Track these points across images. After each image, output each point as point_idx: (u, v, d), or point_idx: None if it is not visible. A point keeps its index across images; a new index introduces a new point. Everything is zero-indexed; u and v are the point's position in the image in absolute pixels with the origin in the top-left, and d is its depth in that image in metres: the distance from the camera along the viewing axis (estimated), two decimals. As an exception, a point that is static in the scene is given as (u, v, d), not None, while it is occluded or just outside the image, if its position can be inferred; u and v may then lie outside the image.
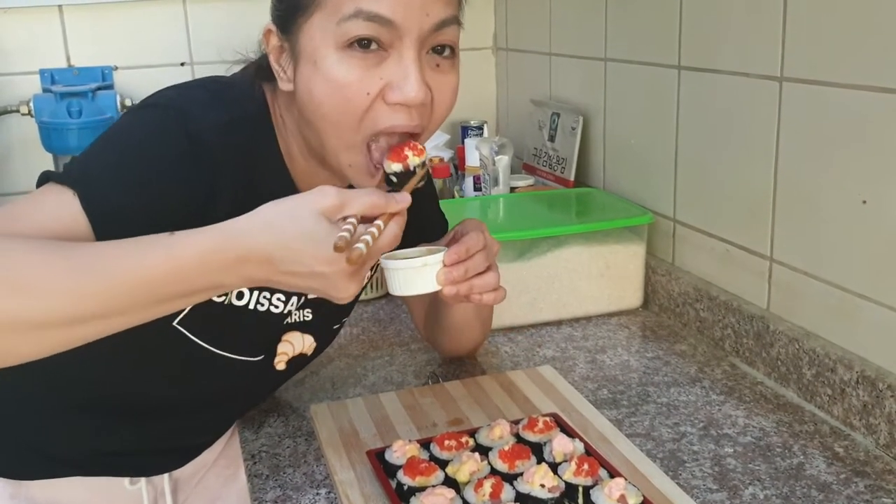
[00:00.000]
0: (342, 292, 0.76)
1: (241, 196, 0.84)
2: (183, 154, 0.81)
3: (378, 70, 0.79)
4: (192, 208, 0.82)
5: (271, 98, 0.90)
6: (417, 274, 0.87)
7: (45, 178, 0.81)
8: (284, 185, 0.90)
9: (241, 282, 0.76)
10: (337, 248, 0.70)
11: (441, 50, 0.83)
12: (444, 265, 0.88)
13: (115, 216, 0.79)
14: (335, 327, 1.06)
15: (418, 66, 0.79)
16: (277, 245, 0.73)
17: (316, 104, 0.81)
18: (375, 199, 0.76)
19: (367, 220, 0.76)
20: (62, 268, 0.69)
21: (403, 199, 0.78)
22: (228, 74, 0.94)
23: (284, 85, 0.85)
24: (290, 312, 0.97)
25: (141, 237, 0.73)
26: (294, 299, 0.96)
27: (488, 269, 0.92)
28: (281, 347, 1.00)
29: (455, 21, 0.82)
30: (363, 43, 0.79)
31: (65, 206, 0.77)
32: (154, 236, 0.73)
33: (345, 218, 0.75)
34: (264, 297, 0.92)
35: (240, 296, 0.91)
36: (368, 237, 0.73)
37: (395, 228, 0.77)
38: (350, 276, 0.75)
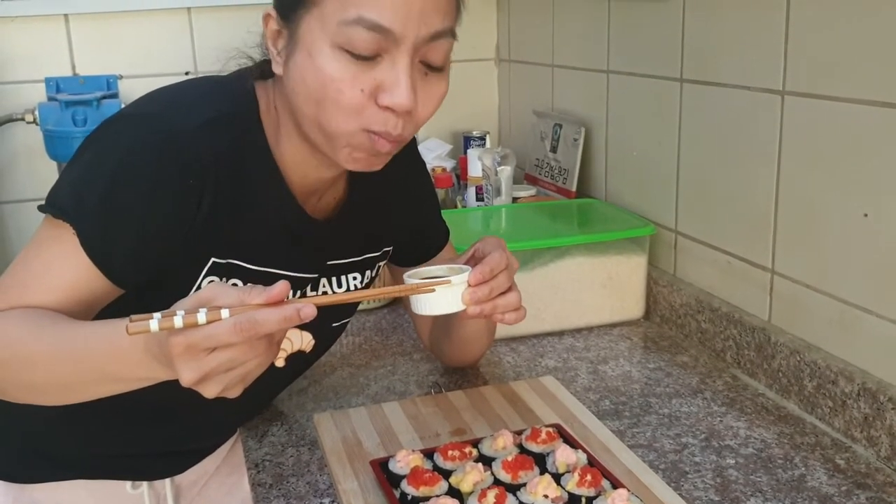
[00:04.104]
0: (178, 374, 0.71)
1: (235, 192, 0.87)
2: (166, 169, 0.83)
3: (372, 71, 0.80)
4: (187, 217, 0.85)
5: (263, 92, 0.92)
6: (443, 294, 0.87)
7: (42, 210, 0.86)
8: (273, 177, 0.91)
9: (166, 372, 0.75)
10: (130, 320, 0.68)
11: (431, 62, 0.84)
12: (469, 285, 0.88)
13: (116, 251, 0.84)
14: (334, 325, 1.07)
15: (409, 73, 0.81)
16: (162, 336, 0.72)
17: (308, 92, 0.82)
18: (241, 292, 0.72)
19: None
20: (45, 343, 0.79)
21: (273, 292, 0.71)
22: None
23: (277, 68, 0.87)
24: None
25: (104, 322, 0.81)
26: (289, 293, 0.96)
27: (510, 288, 0.92)
28: None
29: (450, 34, 0.83)
30: (360, 50, 0.80)
31: (69, 256, 0.83)
32: (106, 323, 0.80)
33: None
34: None
35: None
36: (179, 318, 0.68)
37: (243, 318, 0.69)
38: (181, 358, 0.70)
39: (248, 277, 0.92)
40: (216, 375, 0.72)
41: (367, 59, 0.80)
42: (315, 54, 0.81)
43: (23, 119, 1.87)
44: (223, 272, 0.90)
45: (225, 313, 0.70)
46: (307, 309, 0.72)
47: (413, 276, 0.90)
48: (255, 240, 0.91)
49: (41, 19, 1.91)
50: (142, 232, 0.84)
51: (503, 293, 0.91)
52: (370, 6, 0.78)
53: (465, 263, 0.93)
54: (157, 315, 0.69)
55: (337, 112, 0.81)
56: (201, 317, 0.69)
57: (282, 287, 0.72)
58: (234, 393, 0.74)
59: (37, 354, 0.80)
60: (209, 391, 0.72)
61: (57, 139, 1.81)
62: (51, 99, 1.89)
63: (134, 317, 0.69)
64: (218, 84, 0.92)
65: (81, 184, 0.85)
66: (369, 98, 0.81)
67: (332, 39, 0.80)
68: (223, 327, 0.69)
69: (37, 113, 1.85)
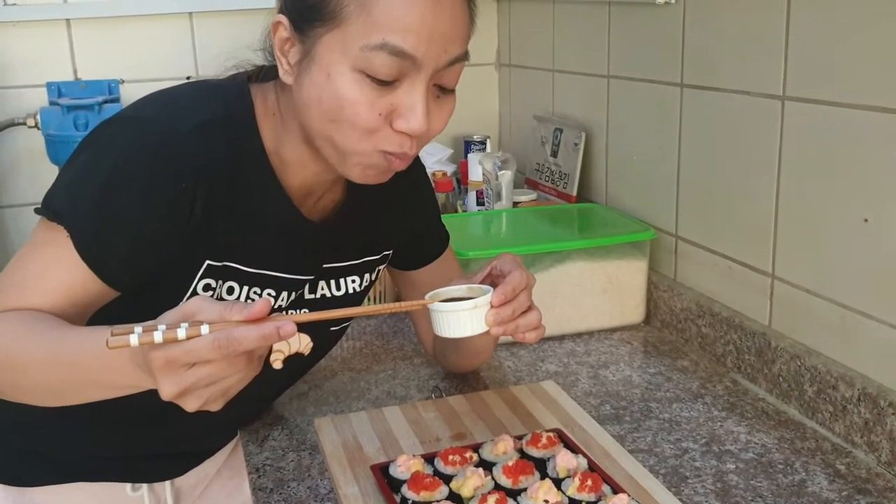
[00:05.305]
0: (158, 388, 0.71)
1: (230, 195, 0.88)
2: (161, 172, 0.84)
3: (390, 95, 0.81)
4: (182, 220, 0.86)
5: (261, 94, 0.92)
6: (468, 316, 0.86)
7: (37, 212, 0.86)
8: (268, 179, 0.91)
9: (151, 382, 0.74)
10: (112, 333, 0.69)
11: (445, 85, 0.85)
12: (492, 306, 0.87)
13: (110, 254, 0.85)
14: (333, 329, 1.07)
15: (426, 99, 0.82)
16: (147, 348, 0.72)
17: (323, 111, 0.83)
18: (223, 308, 0.72)
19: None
20: (38, 347, 0.80)
21: (253, 309, 0.71)
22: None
23: (287, 78, 0.86)
24: (281, 308, 0.98)
25: (94, 328, 0.80)
26: (284, 294, 0.97)
27: (529, 307, 0.92)
28: (276, 345, 1.01)
29: (465, 58, 0.85)
30: (382, 75, 0.80)
31: (64, 259, 0.83)
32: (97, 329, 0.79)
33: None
34: (254, 293, 0.94)
35: (230, 290, 0.92)
36: (159, 334, 0.69)
37: (221, 335, 0.69)
38: (161, 372, 0.70)
39: (244, 280, 0.92)
40: (196, 390, 0.72)
41: (387, 83, 0.80)
42: (334, 76, 0.81)
43: (24, 123, 1.87)
44: (219, 275, 0.90)
45: (205, 329, 0.70)
46: (287, 327, 0.72)
47: (434, 297, 0.89)
48: (250, 242, 0.92)
49: (43, 24, 1.91)
50: (136, 235, 0.85)
51: (524, 312, 0.91)
52: (395, 32, 0.78)
53: (482, 282, 0.92)
54: (137, 329, 0.69)
55: (352, 132, 0.82)
56: (181, 332, 0.69)
57: (262, 304, 0.72)
58: (214, 407, 0.74)
59: (30, 358, 0.80)
60: (189, 405, 0.73)
61: (58, 143, 1.82)
62: (52, 103, 1.90)
63: (115, 329, 0.69)
64: (214, 87, 0.92)
65: (76, 186, 0.85)
66: (385, 120, 0.82)
67: (353, 63, 0.80)
68: (202, 343, 0.69)
69: (38, 117, 1.85)
